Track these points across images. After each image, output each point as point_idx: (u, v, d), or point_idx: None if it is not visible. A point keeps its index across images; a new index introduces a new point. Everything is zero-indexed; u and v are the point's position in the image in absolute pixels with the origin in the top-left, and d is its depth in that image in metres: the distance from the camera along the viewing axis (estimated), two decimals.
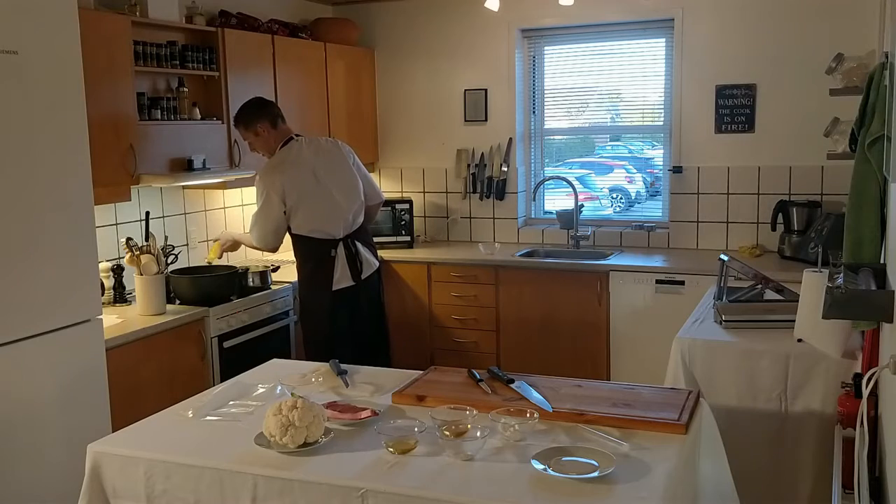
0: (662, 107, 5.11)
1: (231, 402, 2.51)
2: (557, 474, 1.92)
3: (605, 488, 1.88)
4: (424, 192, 5.65)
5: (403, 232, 5.33)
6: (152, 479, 2.15)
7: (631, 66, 5.19)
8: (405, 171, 5.67)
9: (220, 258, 4.36)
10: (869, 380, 1.84)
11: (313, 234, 3.98)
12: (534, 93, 5.43)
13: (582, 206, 5.25)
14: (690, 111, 4.90)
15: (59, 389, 2.96)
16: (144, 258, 3.68)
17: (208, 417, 2.40)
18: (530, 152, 5.52)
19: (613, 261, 4.71)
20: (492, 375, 2.59)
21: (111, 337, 3.27)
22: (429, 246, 5.42)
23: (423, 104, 5.56)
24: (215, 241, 4.35)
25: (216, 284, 3.98)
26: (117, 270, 3.87)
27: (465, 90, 5.43)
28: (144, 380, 3.46)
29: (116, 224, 4.05)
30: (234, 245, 4.34)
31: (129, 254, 3.71)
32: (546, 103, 5.46)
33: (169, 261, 3.90)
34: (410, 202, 5.40)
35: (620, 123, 5.42)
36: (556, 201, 5.54)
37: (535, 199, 5.51)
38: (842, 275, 2.02)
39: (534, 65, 5.40)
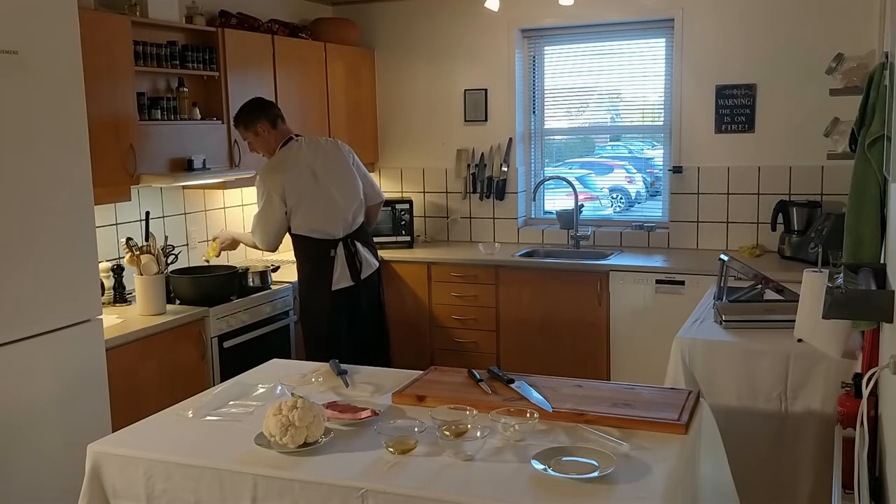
0: (662, 107, 5.11)
1: (231, 402, 2.51)
2: (557, 474, 1.92)
3: (605, 488, 1.88)
4: (424, 192, 5.65)
5: (403, 232, 5.33)
6: (152, 479, 2.15)
7: (631, 66, 5.19)
8: (405, 171, 5.67)
9: (217, 257, 4.36)
10: (869, 380, 1.84)
11: (313, 233, 3.98)
12: (534, 93, 5.43)
13: (582, 206, 5.25)
14: (690, 111, 4.90)
15: (59, 389, 2.96)
16: (144, 258, 3.68)
17: (208, 417, 2.40)
18: (530, 152, 5.52)
19: (613, 261, 4.71)
20: (492, 375, 2.59)
21: (111, 337, 3.27)
22: (429, 246, 5.42)
23: (423, 104, 5.56)
24: (214, 239, 4.35)
25: (216, 284, 3.99)
26: (117, 270, 3.87)
27: (465, 90, 5.43)
28: (144, 380, 3.46)
29: (116, 224, 4.05)
30: (233, 244, 4.34)
31: (129, 254, 3.71)
32: (546, 103, 5.46)
33: (169, 261, 3.90)
34: (410, 202, 5.40)
35: (620, 123, 5.42)
36: (556, 201, 5.54)
37: (535, 199, 5.51)
38: (842, 275, 2.02)
39: (534, 65, 5.40)
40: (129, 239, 3.77)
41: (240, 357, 3.84)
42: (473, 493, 1.88)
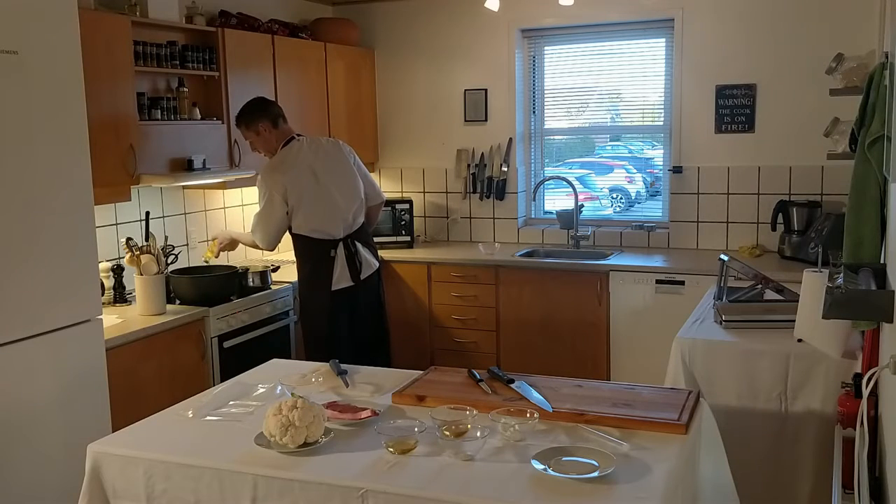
0: (662, 107, 5.11)
1: (231, 402, 2.51)
2: (557, 474, 1.92)
3: (605, 488, 1.88)
4: (424, 192, 5.65)
5: (403, 232, 5.33)
6: (152, 479, 2.15)
7: (631, 66, 5.19)
8: (405, 171, 5.67)
9: (216, 257, 4.36)
10: (869, 380, 1.85)
11: (313, 233, 3.98)
12: (534, 93, 5.43)
13: (582, 206, 5.25)
14: (690, 111, 4.90)
15: (59, 389, 2.96)
16: (144, 258, 3.68)
17: (208, 417, 2.40)
18: (530, 152, 5.52)
19: (613, 261, 4.71)
20: (492, 375, 2.59)
21: (111, 337, 3.27)
22: (429, 246, 5.42)
23: (423, 104, 5.56)
24: (213, 239, 4.35)
25: (216, 284, 3.99)
26: (117, 270, 3.87)
27: (465, 90, 5.43)
28: (144, 380, 3.46)
29: (116, 224, 4.05)
30: (232, 244, 4.34)
31: (129, 254, 3.71)
32: (546, 103, 5.46)
33: (169, 261, 3.90)
34: (410, 202, 5.40)
35: (620, 123, 5.42)
36: (556, 201, 5.54)
37: (535, 199, 5.51)
38: (842, 275, 2.02)
39: (534, 65, 5.40)
40: (129, 239, 3.77)
41: (240, 357, 3.84)
42: (473, 493, 1.88)
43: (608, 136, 5.57)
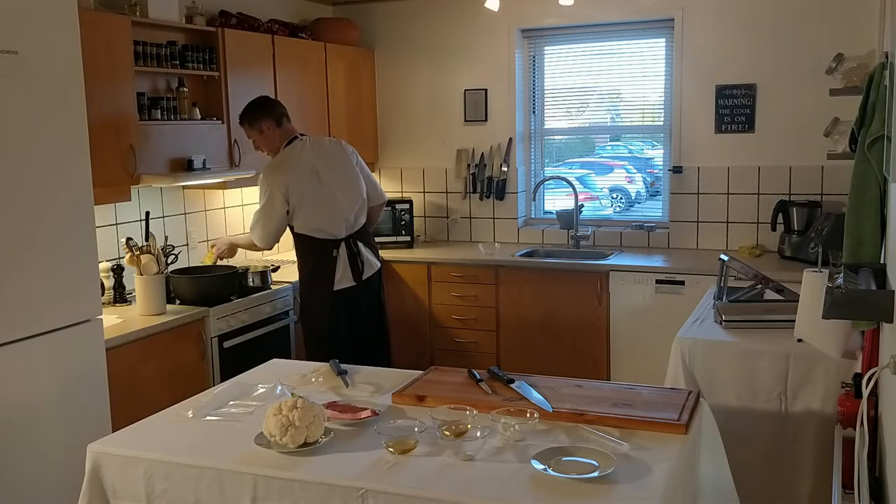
0: (662, 107, 5.11)
1: (231, 402, 2.51)
2: (557, 474, 1.92)
3: (605, 488, 1.88)
4: (424, 192, 5.65)
5: (403, 232, 5.33)
6: (152, 479, 2.15)
7: (631, 66, 5.19)
8: (405, 171, 5.67)
9: (214, 264, 4.33)
10: (869, 380, 1.84)
11: (315, 233, 3.98)
12: (534, 93, 5.43)
13: (582, 206, 5.25)
14: (690, 111, 4.90)
15: (59, 389, 2.96)
16: (144, 258, 3.68)
17: (208, 417, 2.40)
18: (530, 152, 5.52)
19: (613, 261, 4.71)
20: (492, 375, 2.59)
21: (111, 337, 3.27)
22: (429, 246, 5.42)
23: (423, 104, 5.56)
24: (212, 247, 4.33)
25: (216, 284, 3.99)
26: (117, 270, 3.87)
27: (465, 90, 5.43)
28: (144, 380, 3.46)
29: (116, 224, 4.05)
30: (231, 250, 4.32)
31: (129, 254, 3.71)
32: (546, 103, 5.46)
33: (169, 261, 3.90)
34: (410, 202, 5.40)
35: (620, 123, 5.42)
36: (556, 201, 5.54)
37: (535, 199, 5.51)
38: (842, 275, 2.02)
39: (534, 65, 5.40)
40: (129, 239, 3.77)
41: (240, 357, 3.84)
42: (473, 493, 1.88)
43: (608, 136, 5.57)
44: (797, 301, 2.78)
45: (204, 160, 4.10)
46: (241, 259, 4.79)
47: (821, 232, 4.29)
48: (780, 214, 4.58)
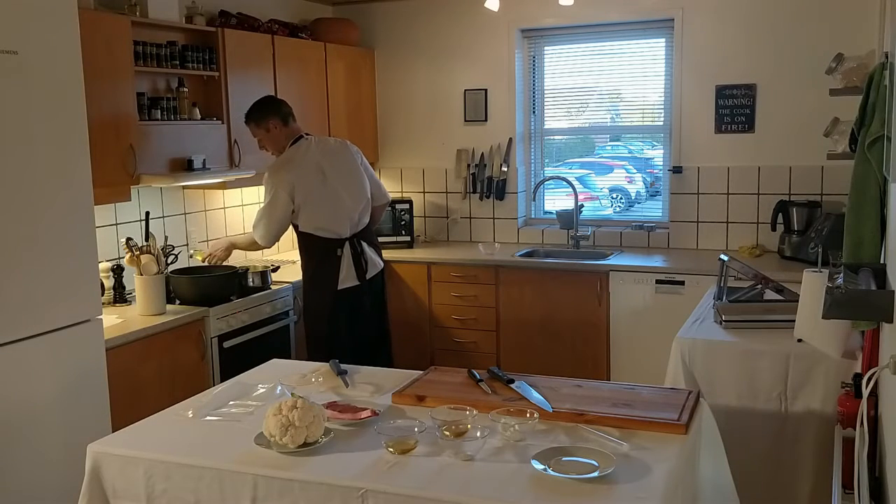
0: (662, 107, 5.11)
1: (231, 402, 2.51)
2: (557, 474, 1.92)
3: (605, 488, 1.88)
4: (424, 192, 5.65)
5: (403, 232, 5.33)
6: (152, 479, 2.15)
7: (631, 66, 5.19)
8: (405, 171, 5.67)
9: (203, 262, 4.30)
10: (869, 380, 1.84)
11: (319, 232, 3.99)
12: (534, 93, 5.43)
13: (582, 206, 5.25)
14: (690, 111, 4.90)
15: (59, 389, 2.96)
16: (144, 258, 3.68)
17: (208, 417, 2.40)
18: (530, 152, 5.52)
19: (613, 261, 4.71)
20: (492, 375, 2.59)
21: (111, 337, 3.27)
22: (429, 246, 5.42)
23: (423, 104, 5.56)
24: (209, 254, 4.28)
25: (216, 284, 3.98)
26: (117, 270, 3.87)
27: (465, 90, 5.43)
28: (144, 380, 3.46)
29: (116, 224, 4.05)
30: (227, 251, 4.31)
31: (129, 254, 3.71)
32: (546, 103, 5.46)
33: (169, 261, 3.90)
34: (410, 202, 5.40)
35: (620, 123, 5.42)
36: (556, 201, 5.54)
37: (535, 199, 5.51)
38: (842, 275, 2.02)
39: (534, 65, 5.40)
40: (129, 239, 3.76)
41: (240, 357, 3.84)
42: (473, 493, 1.88)
43: (608, 136, 5.57)
44: (797, 301, 2.78)
45: (204, 160, 4.10)
46: (241, 259, 4.79)
47: (821, 232, 4.29)
48: (780, 214, 4.58)
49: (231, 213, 4.87)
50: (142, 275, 3.66)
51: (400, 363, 4.19)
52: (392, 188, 5.67)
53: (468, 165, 5.47)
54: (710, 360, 2.96)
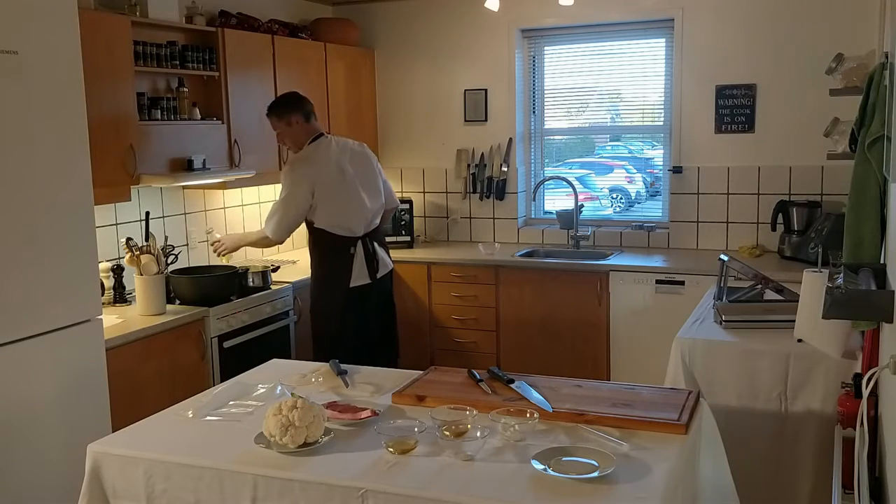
0: (662, 107, 5.11)
1: (231, 402, 2.51)
2: (557, 474, 1.92)
3: (605, 488, 1.88)
4: (424, 192, 5.65)
5: (403, 232, 5.33)
6: (152, 479, 2.15)
7: (631, 66, 5.19)
8: (405, 171, 5.67)
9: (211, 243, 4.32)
10: (869, 380, 1.84)
11: (335, 229, 4.01)
12: (534, 93, 5.43)
13: (582, 206, 5.25)
14: (690, 111, 4.90)
15: (59, 389, 2.96)
16: (144, 258, 3.68)
17: (208, 417, 2.40)
18: (530, 152, 5.52)
19: (613, 261, 4.71)
20: (492, 375, 2.59)
21: (111, 337, 3.27)
22: (429, 246, 5.42)
23: (423, 104, 5.56)
24: (218, 247, 4.30)
25: (216, 284, 3.98)
26: (117, 270, 3.87)
27: (465, 90, 5.43)
28: (144, 380, 3.46)
29: (116, 224, 4.05)
30: (235, 247, 4.32)
31: (129, 254, 3.70)
32: (546, 103, 5.46)
33: (169, 261, 3.90)
34: (410, 202, 5.41)
35: (620, 123, 5.42)
36: (556, 201, 5.54)
37: (535, 199, 5.51)
38: (842, 275, 2.02)
39: (534, 65, 5.40)
40: (129, 239, 3.76)
41: (240, 357, 3.84)
42: (473, 493, 1.88)
43: (608, 136, 5.57)
44: (797, 301, 2.78)
45: (204, 160, 4.10)
46: (241, 259, 4.79)
47: (821, 232, 4.29)
48: (780, 214, 4.58)
49: (231, 213, 4.87)
50: (142, 275, 3.66)
51: (400, 363, 4.19)
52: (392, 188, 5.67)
53: (468, 165, 5.47)
54: (710, 360, 2.96)
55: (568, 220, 5.19)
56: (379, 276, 4.14)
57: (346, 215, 4.03)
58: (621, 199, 5.59)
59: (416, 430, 2.15)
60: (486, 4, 4.73)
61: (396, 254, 5.07)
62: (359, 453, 2.11)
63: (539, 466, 1.95)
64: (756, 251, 4.70)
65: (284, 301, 4.33)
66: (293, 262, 4.86)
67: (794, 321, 2.78)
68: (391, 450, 2.09)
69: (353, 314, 4.06)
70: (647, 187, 5.45)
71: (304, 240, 4.83)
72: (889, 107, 2.15)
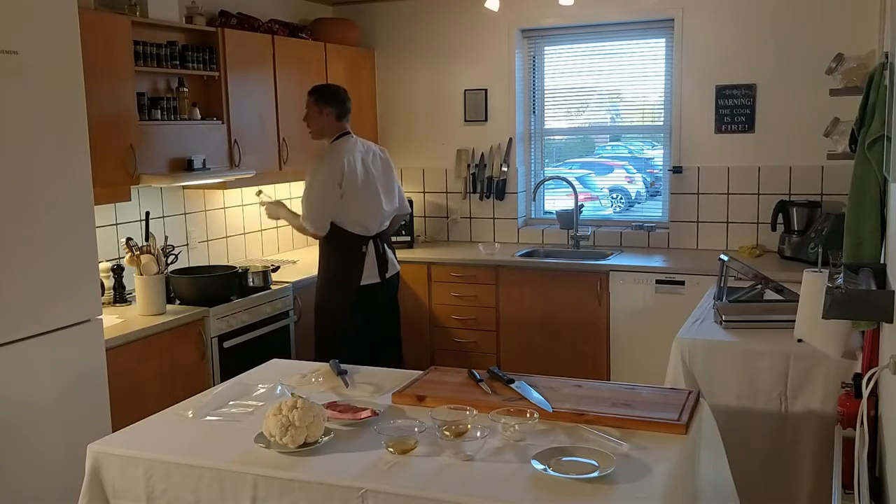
0: (662, 107, 5.11)
1: (231, 402, 2.51)
2: (557, 474, 1.92)
3: (605, 488, 1.88)
4: (424, 192, 5.65)
5: (403, 232, 5.32)
6: (152, 479, 2.15)
7: (631, 66, 5.19)
8: (405, 171, 5.67)
9: (261, 204, 4.38)
10: (869, 380, 1.84)
11: (352, 227, 4.04)
12: (534, 93, 5.43)
13: (582, 206, 5.25)
14: (690, 111, 4.90)
15: (59, 389, 2.96)
16: (144, 258, 3.68)
17: (208, 417, 2.40)
18: (530, 152, 5.52)
19: (613, 261, 4.71)
20: (492, 375, 2.59)
21: (111, 337, 3.27)
22: (429, 246, 5.42)
23: (423, 104, 5.56)
24: (261, 200, 4.29)
25: (216, 284, 3.98)
26: (117, 270, 3.87)
27: (465, 90, 5.43)
28: (144, 380, 3.46)
29: (116, 224, 4.05)
30: (276, 212, 4.29)
31: (129, 254, 3.70)
32: (546, 103, 5.46)
33: (169, 261, 3.90)
34: (410, 202, 5.38)
35: (620, 123, 5.42)
36: (556, 201, 5.54)
37: (535, 199, 5.51)
38: (842, 275, 2.02)
39: (534, 65, 5.40)
40: (129, 239, 3.76)
41: (240, 357, 3.84)
42: (473, 493, 1.88)
43: (608, 136, 5.57)
44: (797, 301, 2.78)
45: (204, 160, 4.10)
46: (242, 259, 4.80)
47: (821, 232, 4.29)
48: (780, 214, 4.58)
49: (231, 213, 4.87)
50: (142, 275, 3.66)
51: (404, 366, 4.19)
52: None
53: (468, 165, 5.47)
54: (710, 360, 2.96)
55: (568, 220, 5.18)
56: (388, 276, 4.18)
57: (365, 213, 4.07)
58: (621, 199, 5.59)
59: (416, 430, 2.15)
60: (486, 4, 4.73)
61: (397, 254, 5.08)
62: (359, 453, 2.11)
63: (539, 466, 1.95)
64: (756, 251, 4.70)
65: (284, 301, 4.33)
66: (293, 262, 4.86)
67: (794, 321, 2.78)
68: (391, 450, 2.09)
69: (360, 313, 4.08)
70: (647, 187, 5.45)
71: (305, 240, 4.84)
72: (889, 107, 2.15)
